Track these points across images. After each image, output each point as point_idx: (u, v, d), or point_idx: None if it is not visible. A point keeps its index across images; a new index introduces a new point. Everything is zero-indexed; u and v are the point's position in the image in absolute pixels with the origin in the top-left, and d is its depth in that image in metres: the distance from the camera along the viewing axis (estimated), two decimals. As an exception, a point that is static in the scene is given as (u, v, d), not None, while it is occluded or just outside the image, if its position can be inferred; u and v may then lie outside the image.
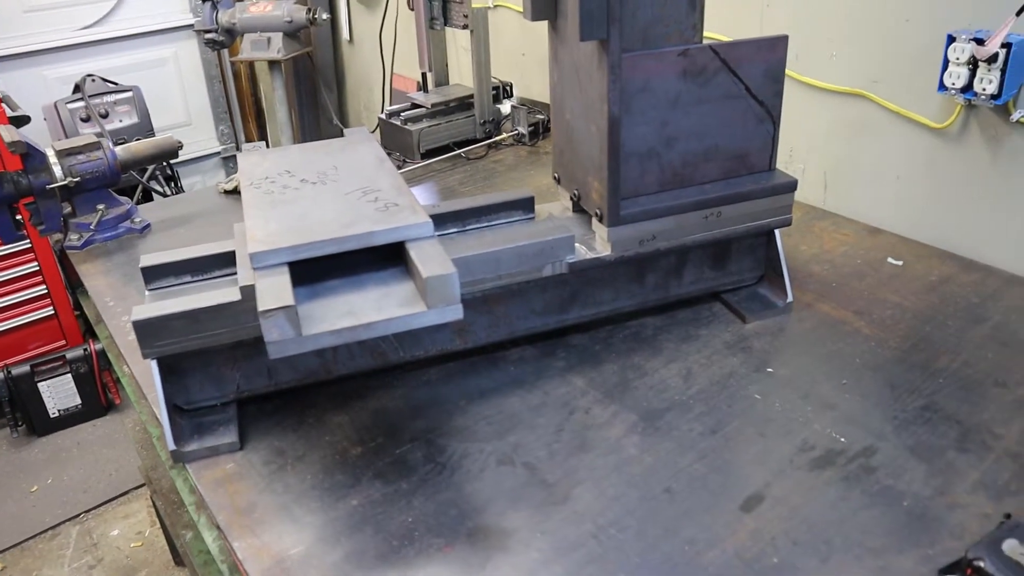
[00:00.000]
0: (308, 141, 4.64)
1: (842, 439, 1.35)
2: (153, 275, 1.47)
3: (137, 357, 1.69)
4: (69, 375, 3.65)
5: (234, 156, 5.04)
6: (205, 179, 4.92)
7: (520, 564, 1.14)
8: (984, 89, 1.77)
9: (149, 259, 1.48)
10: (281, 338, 1.09)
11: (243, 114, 5.04)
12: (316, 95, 4.69)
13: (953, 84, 1.81)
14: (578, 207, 1.68)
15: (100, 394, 3.77)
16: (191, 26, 4.62)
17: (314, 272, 1.24)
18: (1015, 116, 1.80)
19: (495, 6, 3.17)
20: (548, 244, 1.51)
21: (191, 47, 4.71)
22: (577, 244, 1.56)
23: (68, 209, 2.27)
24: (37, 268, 3.60)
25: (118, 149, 2.29)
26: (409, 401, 1.50)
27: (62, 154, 2.18)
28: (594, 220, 1.58)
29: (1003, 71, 1.73)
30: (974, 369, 1.51)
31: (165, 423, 1.38)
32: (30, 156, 2.12)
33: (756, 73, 1.58)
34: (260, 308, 1.07)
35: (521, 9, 3.09)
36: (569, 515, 1.22)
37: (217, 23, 3.94)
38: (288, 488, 1.31)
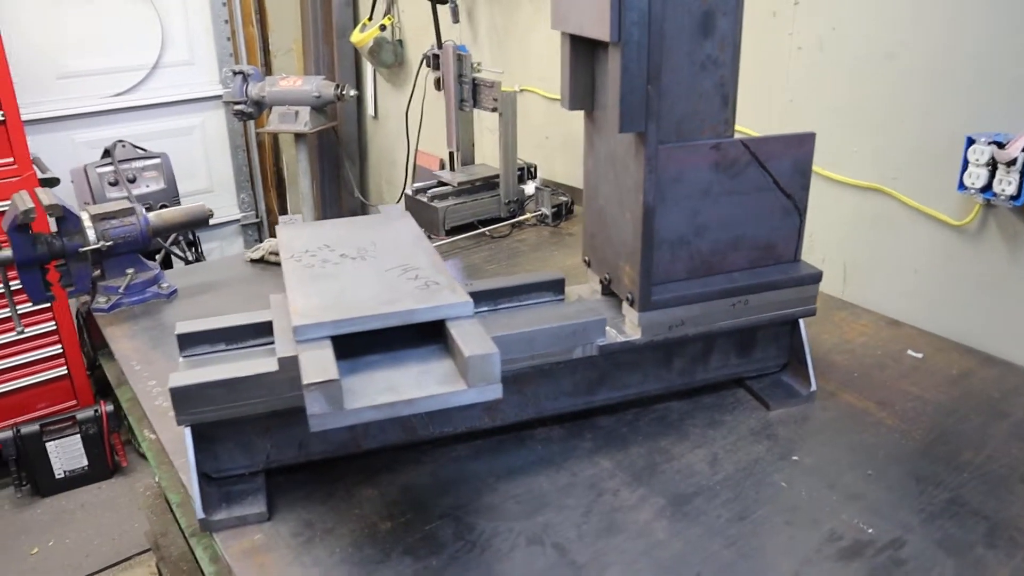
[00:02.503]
0: (329, 212, 4.73)
1: (869, 530, 1.35)
2: (188, 342, 1.50)
3: (163, 423, 1.73)
4: (78, 435, 3.64)
5: (254, 224, 5.13)
6: (223, 246, 4.99)
7: (552, 648, 1.13)
8: (1003, 190, 1.82)
9: (185, 326, 1.50)
10: (323, 411, 1.11)
11: (264, 183, 5.14)
12: (339, 168, 4.80)
13: (973, 184, 1.86)
14: (607, 291, 1.72)
15: (107, 456, 3.75)
16: (219, 97, 4.75)
17: (353, 347, 1.26)
18: (1033, 216, 1.85)
19: (521, 90, 3.27)
20: (581, 326, 1.54)
21: (218, 117, 4.84)
22: (607, 327, 1.59)
23: (97, 272, 2.31)
24: (54, 327, 3.63)
25: (151, 216, 2.34)
26: (437, 477, 1.51)
27: (96, 218, 2.24)
28: (624, 304, 1.61)
29: (1022, 173, 1.79)
30: (998, 464, 1.52)
31: (195, 491, 1.38)
32: (65, 219, 2.18)
33: (784, 167, 1.63)
34: (305, 381, 1.10)
35: (546, 94, 3.20)
36: (600, 599, 1.22)
37: (247, 95, 4.05)
38: (317, 561, 1.31)
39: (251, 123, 4.86)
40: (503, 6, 3.39)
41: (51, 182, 3.47)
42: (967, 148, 1.86)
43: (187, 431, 1.39)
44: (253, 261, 2.59)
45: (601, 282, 1.72)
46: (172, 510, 1.67)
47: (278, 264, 2.53)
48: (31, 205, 2.08)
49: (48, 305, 3.48)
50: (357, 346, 1.27)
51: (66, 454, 3.64)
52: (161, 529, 2.56)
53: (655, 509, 1.41)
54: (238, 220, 5.09)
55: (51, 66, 4.18)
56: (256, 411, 1.39)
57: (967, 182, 1.88)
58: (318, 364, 1.13)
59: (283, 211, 5.28)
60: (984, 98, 1.88)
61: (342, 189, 4.85)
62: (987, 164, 1.83)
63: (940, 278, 2.07)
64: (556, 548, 1.32)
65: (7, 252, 2.12)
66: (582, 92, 1.62)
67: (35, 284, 2.20)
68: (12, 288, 2.22)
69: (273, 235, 5.01)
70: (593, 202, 1.72)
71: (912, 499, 1.43)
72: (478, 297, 1.60)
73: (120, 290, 2.26)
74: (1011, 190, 1.81)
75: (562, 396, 1.62)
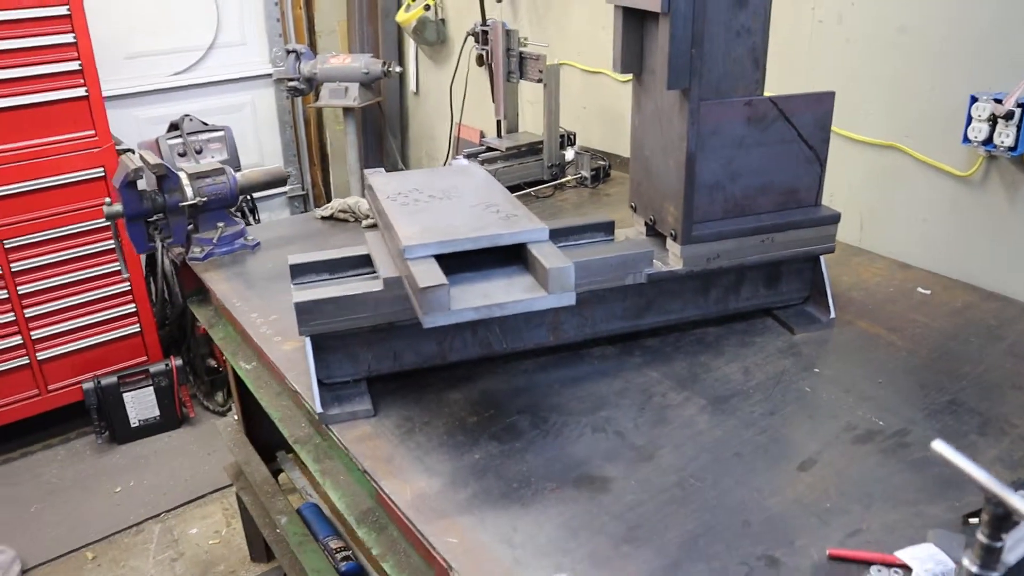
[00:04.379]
0: (372, 183, 4.99)
1: (880, 423, 1.61)
2: (299, 271, 1.77)
3: (269, 346, 2.00)
4: (151, 387, 3.95)
5: (300, 196, 5.42)
6: (272, 215, 5.28)
7: (618, 501, 1.40)
8: (1003, 142, 2.06)
9: (296, 258, 1.78)
10: (435, 310, 1.38)
11: (310, 158, 5.43)
12: (382, 141, 5.07)
13: (976, 138, 2.10)
14: (652, 231, 1.98)
15: (176, 408, 4.06)
16: (269, 75, 5.03)
17: (448, 268, 1.53)
18: (1030, 166, 2.08)
19: (560, 64, 3.51)
20: (632, 257, 1.80)
21: (268, 94, 5.12)
22: (654, 260, 1.85)
23: (191, 226, 2.59)
24: (129, 288, 3.93)
25: (238, 175, 2.62)
26: (512, 384, 1.78)
27: (193, 177, 2.52)
28: (668, 240, 1.87)
29: (1019, 127, 2.02)
30: (993, 375, 1.77)
31: (315, 391, 1.66)
32: (167, 177, 2.46)
33: (807, 122, 1.88)
34: (420, 286, 1.37)
35: (584, 67, 3.45)
36: (655, 469, 1.49)
37: (300, 73, 4.33)
38: (419, 445, 1.58)
39: (299, 100, 5.14)
40: (543, -15, 3.64)
41: (127, 152, 3.76)
42: (971, 105, 2.10)
43: (307, 340, 1.67)
44: (323, 219, 2.87)
45: (647, 224, 1.98)
46: (277, 423, 1.95)
47: (346, 220, 2.83)
48: (139, 164, 2.36)
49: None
50: (451, 268, 1.54)
51: (140, 404, 3.95)
52: (244, 458, 2.86)
53: (698, 407, 1.68)
54: (285, 192, 5.38)
55: (120, 47, 4.47)
56: (362, 325, 1.68)
57: (971, 135, 2.11)
58: (429, 273, 1.40)
59: (326, 184, 5.57)
60: (986, 62, 2.12)
61: (385, 161, 5.13)
62: (988, 119, 2.07)
63: (947, 225, 2.31)
64: (617, 434, 1.59)
65: (118, 207, 2.40)
66: (632, 58, 1.87)
67: (140, 236, 2.49)
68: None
69: (328, 200, 5.32)
70: (639, 153, 1.98)
71: (917, 400, 1.69)
72: (543, 234, 1.87)
73: (213, 241, 2.54)
74: (1009, 141, 2.04)
75: (615, 319, 1.89)
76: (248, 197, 4.51)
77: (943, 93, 2.23)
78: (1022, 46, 2.03)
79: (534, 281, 1.49)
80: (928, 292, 2.18)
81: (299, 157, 5.38)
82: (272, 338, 2.02)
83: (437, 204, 1.71)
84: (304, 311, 1.63)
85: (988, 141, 2.09)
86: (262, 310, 2.17)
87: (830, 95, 1.89)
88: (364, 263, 1.79)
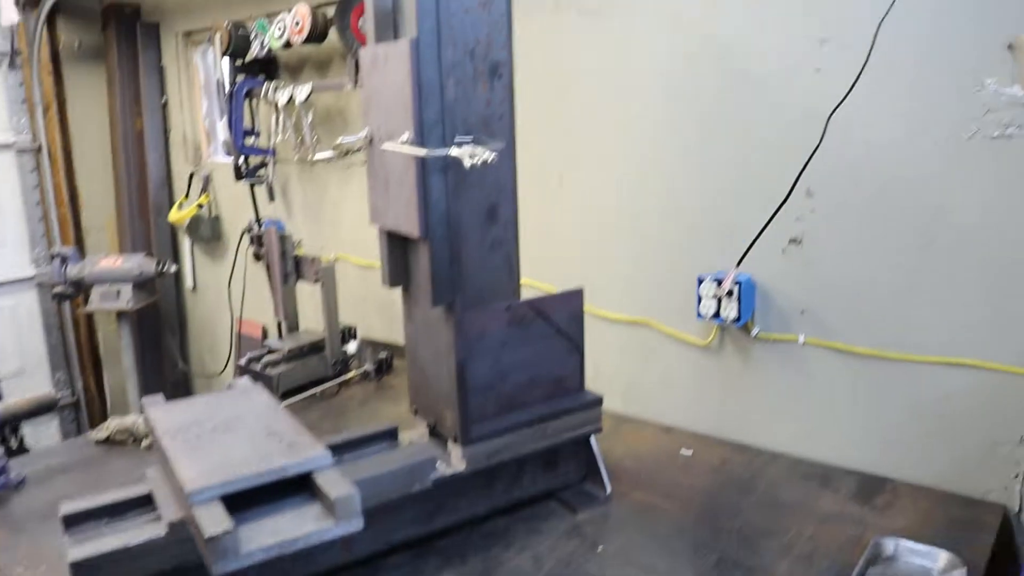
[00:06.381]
0: (151, 384, 4.79)
1: (659, 596, 1.75)
2: (73, 521, 1.69)
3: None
4: None
5: (72, 404, 5.07)
6: (39, 430, 4.88)
7: None
8: (729, 315, 2.37)
9: (69, 506, 1.69)
10: (223, 558, 1.38)
11: (80, 362, 5.12)
12: (159, 340, 4.91)
13: (706, 313, 2.41)
14: (434, 432, 2.07)
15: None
16: (32, 278, 4.78)
17: (236, 503, 1.53)
18: (754, 332, 2.40)
19: (336, 258, 3.64)
20: (416, 466, 1.88)
21: (30, 298, 4.83)
22: (438, 463, 1.93)
23: (-57, 471, 2.38)
24: None
25: (-2, 409, 2.47)
26: (308, 610, 1.76)
27: (-57, 419, 2.34)
28: (450, 442, 1.97)
29: (739, 301, 2.35)
30: (750, 526, 1.98)
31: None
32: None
33: (563, 317, 2.09)
34: (206, 535, 1.36)
35: (359, 260, 3.59)
36: None
37: (66, 277, 4.15)
38: None
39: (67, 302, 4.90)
40: (314, 184, 3.80)
41: None
42: (698, 286, 2.41)
43: (85, 602, 1.58)
44: (99, 442, 2.72)
45: (428, 427, 2.08)
46: None
47: (124, 443, 2.71)
48: None
49: None
50: (238, 503, 1.54)
51: None
52: None
53: (493, 606, 1.74)
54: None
55: None
56: (149, 573, 1.61)
57: (702, 311, 2.42)
58: (215, 519, 1.40)
59: (100, 389, 5.25)
60: (706, 248, 2.46)
61: (164, 361, 4.95)
62: (714, 296, 2.39)
63: (697, 388, 2.59)
64: (417, 650, 1.61)
65: None
66: (399, 274, 2.02)
67: None
68: None
69: (105, 415, 4.99)
70: (415, 360, 2.10)
71: (692, 562, 1.86)
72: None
73: (-32, 487, 2.34)
74: (733, 314, 2.36)
75: (406, 526, 1.93)
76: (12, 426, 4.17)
77: (677, 274, 2.55)
78: (730, 233, 2.39)
79: (322, 509, 1.52)
80: (690, 452, 2.41)
81: (68, 362, 5.06)
82: (43, 595, 1.88)
83: (220, 438, 1.71)
84: (81, 569, 1.55)
85: (717, 315, 2.40)
86: (30, 559, 2.01)
87: (579, 292, 2.12)
88: (146, 502, 1.74)
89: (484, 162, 1.67)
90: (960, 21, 1.93)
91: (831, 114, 2.10)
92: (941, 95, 1.97)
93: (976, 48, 1.91)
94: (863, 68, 2.03)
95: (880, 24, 1.98)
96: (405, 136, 1.74)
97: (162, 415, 1.86)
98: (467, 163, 1.67)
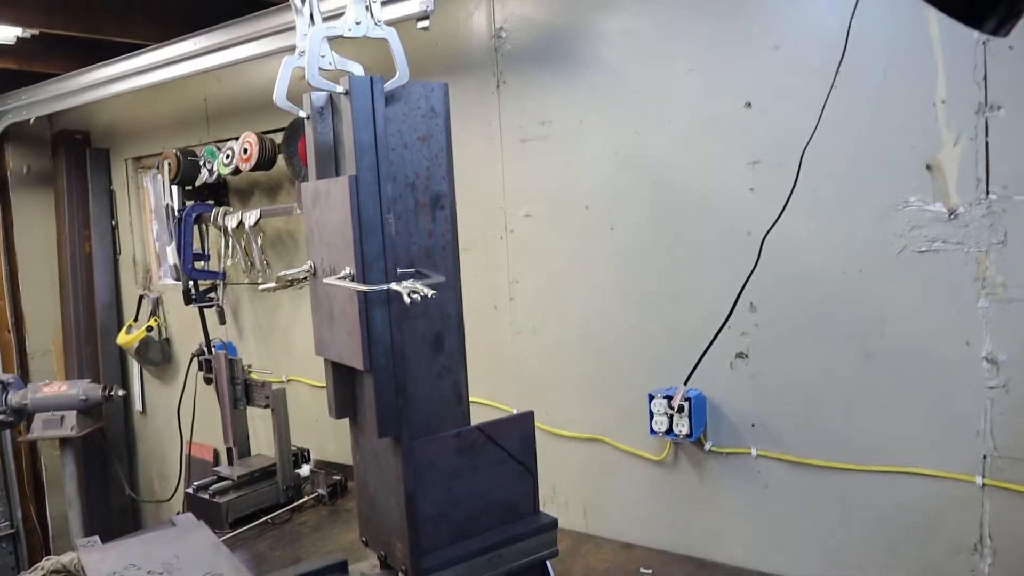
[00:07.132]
0: (96, 512, 4.61)
1: None
2: None
3: None
4: None
5: (9, 535, 4.83)
6: (-27, 564, 4.64)
7: None
8: (681, 431, 2.37)
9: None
10: None
11: (21, 491, 4.92)
12: (105, 466, 4.75)
13: (659, 429, 2.41)
14: (385, 564, 2.01)
15: None
16: (-30, 410, 4.63)
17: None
18: (707, 447, 2.40)
19: (288, 380, 3.60)
20: (366, 603, 1.81)
21: (-32, 429, 4.68)
22: (389, 598, 1.87)
23: None
24: None
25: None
26: None
27: None
28: (400, 575, 1.91)
29: (690, 417, 2.35)
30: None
31: None
32: None
33: (514, 442, 2.07)
34: None
35: (311, 382, 3.55)
36: None
37: (7, 405, 4.02)
38: None
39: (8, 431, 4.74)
40: (265, 307, 3.78)
41: None
42: (650, 402, 2.42)
43: None
44: (32, 586, 2.59)
45: (379, 558, 2.02)
46: None
47: (61, 585, 2.58)
48: None
49: None
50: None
51: None
52: None
53: None
54: (-7, 534, 4.79)
55: None
56: None
57: (655, 427, 2.42)
58: None
59: (42, 518, 5.03)
60: (656, 366, 2.48)
61: (110, 487, 4.78)
62: (665, 413, 2.39)
63: (654, 504, 2.56)
64: None
65: None
66: (345, 404, 1.99)
67: None
68: None
69: (47, 545, 4.79)
70: (364, 491, 2.05)
71: None
72: (274, 592, 1.85)
73: None
74: (685, 430, 2.36)
75: (357, 669, 1.85)
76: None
77: (629, 391, 2.55)
78: (679, 349, 2.41)
79: (262, 664, 1.46)
80: (650, 571, 2.36)
81: (8, 491, 4.85)
82: None
83: (155, 586, 1.64)
84: None
85: (670, 430, 2.40)
86: None
87: (529, 415, 2.11)
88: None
89: (424, 296, 1.68)
90: (881, 144, 2.03)
91: (766, 234, 2.16)
92: (869, 213, 2.06)
93: (897, 168, 2.00)
94: (792, 190, 2.11)
95: (804, 149, 2.07)
96: (346, 271, 1.75)
97: (97, 560, 1.79)
98: (407, 299, 1.68)
